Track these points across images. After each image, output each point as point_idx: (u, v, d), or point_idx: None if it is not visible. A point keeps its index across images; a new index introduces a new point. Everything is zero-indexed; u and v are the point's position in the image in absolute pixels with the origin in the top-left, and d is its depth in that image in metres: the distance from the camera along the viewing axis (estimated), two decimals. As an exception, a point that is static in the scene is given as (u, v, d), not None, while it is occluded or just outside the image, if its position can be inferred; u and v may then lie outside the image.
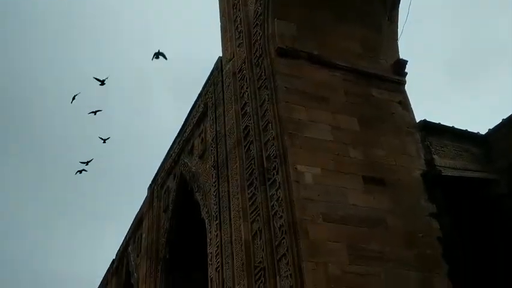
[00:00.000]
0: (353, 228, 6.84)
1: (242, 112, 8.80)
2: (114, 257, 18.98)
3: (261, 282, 6.82)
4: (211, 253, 9.03)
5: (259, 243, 7.15)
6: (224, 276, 8.09)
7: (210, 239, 9.25)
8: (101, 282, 21.23)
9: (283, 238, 6.54)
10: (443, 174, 8.27)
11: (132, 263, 15.71)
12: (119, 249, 18.33)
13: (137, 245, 15.77)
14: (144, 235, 14.62)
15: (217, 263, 8.54)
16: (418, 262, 6.96)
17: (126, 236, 17.47)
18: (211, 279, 8.70)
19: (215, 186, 9.40)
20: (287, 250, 6.40)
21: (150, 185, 14.82)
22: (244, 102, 8.80)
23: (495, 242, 9.33)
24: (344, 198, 7.14)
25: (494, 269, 9.35)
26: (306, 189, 6.93)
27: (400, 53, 9.86)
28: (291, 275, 6.16)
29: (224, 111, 9.62)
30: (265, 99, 8.15)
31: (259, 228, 7.22)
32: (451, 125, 9.51)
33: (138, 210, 16.09)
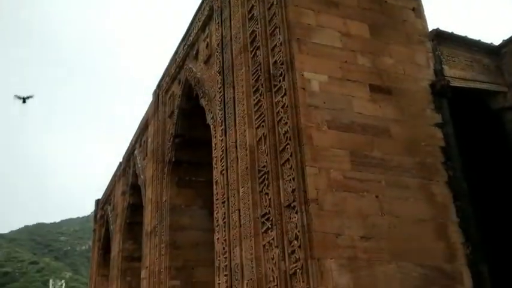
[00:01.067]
0: (356, 136, 6.92)
1: (249, 16, 8.52)
2: (121, 160, 19.52)
3: (265, 185, 7.05)
4: (216, 157, 9.24)
5: (263, 148, 7.29)
6: (229, 179, 8.36)
7: (215, 144, 9.42)
8: (109, 183, 22.05)
9: (288, 144, 6.65)
10: (451, 84, 8.20)
11: (139, 165, 16.18)
12: (126, 153, 18.80)
13: (143, 148, 16.12)
14: (149, 139, 14.89)
15: (222, 166, 8.77)
16: (419, 170, 7.12)
17: (132, 139, 17.82)
18: (216, 181, 8.99)
19: (220, 92, 9.38)
20: (291, 155, 6.53)
21: (155, 90, 14.82)
22: (251, 5, 8.49)
23: (495, 153, 9.49)
24: (349, 106, 7.14)
25: (492, 178, 9.61)
26: (311, 96, 6.91)
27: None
28: (293, 178, 6.34)
29: (230, 15, 9.32)
30: (273, 2, 7.84)
31: (263, 133, 7.31)
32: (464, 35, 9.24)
33: (144, 115, 16.24)
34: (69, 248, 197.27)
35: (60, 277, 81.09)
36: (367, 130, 7.06)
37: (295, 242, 6.06)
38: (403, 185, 6.89)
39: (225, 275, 7.91)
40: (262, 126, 7.40)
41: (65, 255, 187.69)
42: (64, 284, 56.80)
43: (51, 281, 57.33)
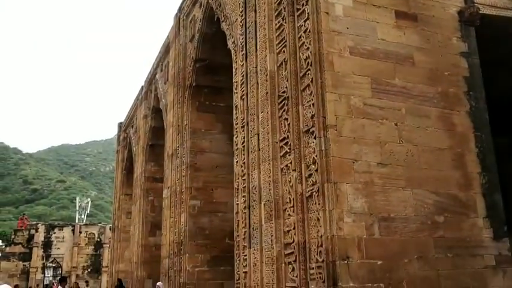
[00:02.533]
0: (379, 63, 6.82)
1: None
2: (143, 84, 19.67)
3: (284, 110, 7.11)
4: (236, 82, 9.27)
5: (284, 73, 7.27)
6: (249, 104, 8.44)
7: (236, 69, 9.41)
8: (131, 107, 22.37)
9: (308, 69, 6.61)
10: (480, 12, 7.87)
11: (160, 89, 16.31)
12: (148, 76, 18.89)
13: (165, 72, 16.17)
14: (171, 63, 14.89)
15: (242, 91, 8.82)
16: (440, 99, 7.06)
17: (154, 63, 17.82)
18: (236, 106, 9.08)
19: (242, 16, 9.21)
20: (311, 81, 6.52)
21: (176, 13, 14.58)
22: None
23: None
24: (373, 32, 6.97)
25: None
26: (335, 21, 6.75)
27: None
28: (313, 104, 6.38)
29: None
30: None
31: (284, 59, 7.26)
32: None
33: (165, 39, 16.11)
34: (93, 168, 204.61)
35: (86, 195, 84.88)
36: (390, 57, 6.95)
37: (313, 166, 6.21)
38: (423, 114, 6.87)
39: (243, 196, 8.23)
40: (283, 51, 7.33)
41: (90, 175, 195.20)
42: (90, 202, 59.42)
43: (77, 199, 60.06)
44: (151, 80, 18.30)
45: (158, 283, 12.70)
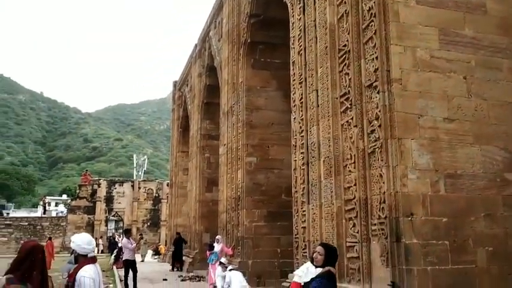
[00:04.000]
0: (447, 12, 6.42)
1: None
2: (196, 42, 19.70)
3: (345, 65, 6.91)
4: (293, 37, 9.07)
5: (344, 26, 7.01)
6: (307, 60, 8.26)
7: (293, 23, 9.18)
8: (185, 65, 22.55)
9: (372, 21, 6.33)
10: None
11: (214, 47, 16.28)
12: (201, 34, 18.86)
13: (218, 29, 16.07)
14: (224, 20, 14.76)
15: (300, 46, 8.63)
16: (514, 50, 6.61)
17: (207, 20, 17.73)
18: (293, 62, 8.92)
19: (299, -34, 8.89)
20: (374, 33, 6.25)
21: (229, -33, 14.30)
22: None
23: None
24: (442, -21, 6.53)
25: None
26: (400, -32, 6.36)
27: None
28: (377, 57, 6.14)
29: None
30: None
31: (346, 10, 6.99)
32: None
33: (218, -6, 15.91)
34: (148, 127, 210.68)
35: (143, 153, 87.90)
36: (460, 6, 6.52)
37: (375, 121, 6.05)
38: (494, 66, 6.47)
39: (302, 153, 8.20)
40: (344, 2, 7.05)
41: (146, 133, 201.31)
42: (146, 159, 61.56)
43: (135, 156, 62.31)
44: (204, 38, 18.29)
45: (217, 236, 13.11)
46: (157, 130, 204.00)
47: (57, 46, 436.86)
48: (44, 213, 42.09)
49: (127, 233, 14.02)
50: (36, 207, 71.59)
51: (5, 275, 3.31)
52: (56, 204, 50.74)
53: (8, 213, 46.89)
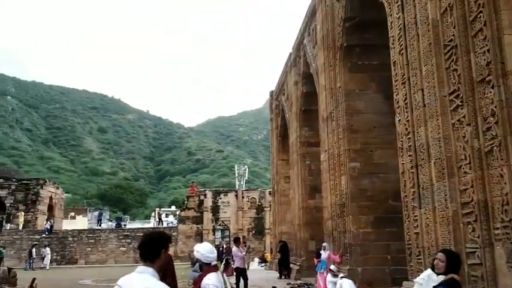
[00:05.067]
0: None
1: None
2: (291, 51, 19.90)
3: (452, 61, 6.57)
4: (392, 36, 8.81)
5: (449, 20, 6.67)
6: (409, 59, 7.98)
7: (391, 22, 8.93)
8: (281, 74, 22.85)
9: (480, 12, 5.95)
10: None
11: (309, 54, 16.32)
12: (295, 43, 19.03)
13: (312, 36, 16.10)
14: (318, 26, 14.75)
15: (400, 46, 8.36)
16: None
17: (300, 28, 17.85)
18: (394, 62, 8.66)
19: (394, -36, 8.65)
20: (484, 24, 5.87)
21: (320, -27, 14.29)
22: None
23: None
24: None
25: None
26: (509, -48, 5.93)
27: None
28: (488, 50, 5.76)
29: None
30: None
31: (449, 4, 6.64)
32: None
33: (310, 2, 15.97)
34: (247, 137, 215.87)
35: (243, 163, 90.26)
36: None
37: (491, 118, 5.66)
38: None
39: (409, 155, 7.90)
40: (447, -5, 6.71)
41: (244, 144, 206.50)
42: (247, 169, 63.09)
43: (236, 166, 64.05)
44: (299, 46, 18.41)
45: (324, 244, 13.04)
46: (255, 140, 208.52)
47: (158, 67, 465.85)
48: (159, 224, 44.81)
49: (236, 241, 14.44)
50: (149, 219, 76.56)
51: None
52: (166, 215, 53.80)
53: (124, 225, 50.61)
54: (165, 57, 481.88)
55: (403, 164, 8.24)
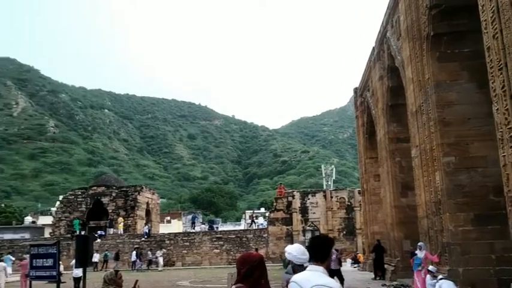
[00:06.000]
0: None
1: None
2: (373, 45, 19.37)
3: (556, 41, 5.99)
4: (485, 21, 8.22)
5: (550, -3, 6.10)
6: (505, 43, 7.40)
7: (482, 6, 8.33)
8: (364, 70, 22.32)
9: None
10: None
11: (394, 47, 15.76)
12: (378, 36, 18.49)
13: (396, 29, 15.55)
14: (401, 17, 14.21)
15: (494, 30, 7.77)
16: None
17: (382, 21, 17.33)
18: (488, 48, 8.07)
19: None
20: None
21: (401, -38, 13.77)
22: None
23: None
24: None
25: None
26: None
27: None
28: None
29: None
30: None
31: (549, -21, 6.08)
32: None
33: (391, -7, 15.44)
34: (332, 137, 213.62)
35: (329, 162, 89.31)
36: None
37: None
38: None
39: (511, 147, 7.32)
40: (547, -30, 6.14)
41: (330, 143, 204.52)
42: (334, 168, 62.28)
43: (322, 166, 63.54)
44: (382, 40, 17.85)
45: (420, 243, 12.48)
46: (341, 139, 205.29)
47: (241, 72, 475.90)
48: (250, 226, 45.64)
49: None
50: (239, 221, 78.25)
51: (234, 284, 3.63)
52: (256, 217, 54.64)
53: (217, 227, 52.16)
54: (246, 62, 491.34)
55: (504, 156, 7.64)
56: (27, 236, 50.77)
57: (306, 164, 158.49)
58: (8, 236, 50.25)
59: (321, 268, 3.12)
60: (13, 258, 30.86)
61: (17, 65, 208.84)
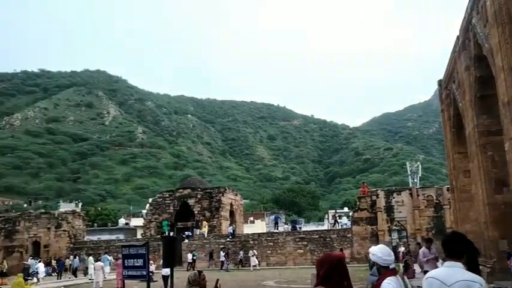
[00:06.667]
0: None
1: None
2: (457, 34, 18.38)
3: None
4: None
5: None
6: None
7: None
8: (448, 61, 21.22)
9: None
10: None
11: (480, 34, 14.83)
12: (462, 24, 17.51)
13: (482, 15, 14.60)
14: (488, 2, 13.31)
15: None
16: None
17: (467, 8, 16.38)
18: None
19: None
20: None
21: None
22: None
23: None
24: None
25: None
26: None
27: None
28: None
29: None
30: None
31: None
32: None
33: (476, -23, 14.55)
34: (416, 132, 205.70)
35: (415, 159, 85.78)
36: None
37: None
38: None
39: None
40: None
41: (415, 139, 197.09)
42: (420, 165, 59.83)
43: (407, 164, 61.33)
44: (467, 27, 16.83)
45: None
46: (426, 134, 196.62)
47: (317, 72, 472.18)
48: (334, 225, 45.18)
49: (428, 241, 13.64)
50: (322, 221, 77.59)
51: (315, 287, 3.57)
52: (340, 217, 53.89)
53: (300, 228, 52.12)
54: (323, 60, 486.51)
55: None
56: (121, 236, 54.18)
57: (389, 161, 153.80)
58: (104, 237, 53.95)
59: (459, 264, 3.17)
60: (110, 258, 33.00)
61: (107, 76, 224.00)
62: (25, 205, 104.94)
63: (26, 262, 36.42)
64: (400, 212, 36.28)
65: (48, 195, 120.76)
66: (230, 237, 39.06)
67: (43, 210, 52.88)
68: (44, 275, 33.92)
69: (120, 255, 21.90)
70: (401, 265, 20.98)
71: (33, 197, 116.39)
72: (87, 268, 33.46)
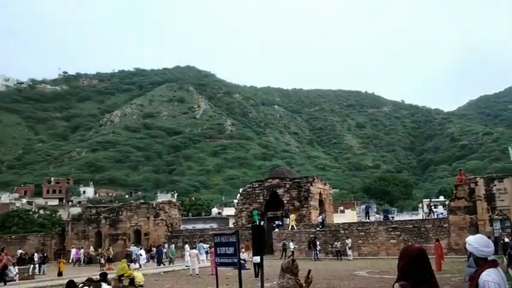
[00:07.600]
0: None
1: None
2: None
3: None
4: None
5: None
6: None
7: None
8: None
9: None
10: None
11: None
12: None
13: None
14: None
15: None
16: None
17: None
18: None
19: None
20: None
21: None
22: None
23: None
24: None
25: None
26: None
27: None
28: None
29: None
30: None
31: None
32: None
33: None
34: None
35: (519, 144, 79.17)
36: None
37: None
38: None
39: None
40: None
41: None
42: (525, 151, 55.16)
43: (510, 149, 56.84)
44: None
45: None
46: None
47: (408, 54, 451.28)
48: (429, 215, 43.28)
49: None
50: (416, 210, 74.58)
51: (397, 282, 3.33)
52: (435, 206, 51.46)
53: (392, 217, 50.58)
54: (413, 42, 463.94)
55: None
56: (214, 225, 56.25)
57: (489, 147, 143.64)
58: (199, 226, 56.32)
59: None
60: (206, 246, 34.42)
61: (196, 72, 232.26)
62: (126, 196, 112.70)
63: (128, 249, 39.11)
64: (503, 200, 33.75)
65: (147, 187, 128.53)
66: (320, 226, 38.90)
67: (142, 201, 56.39)
68: (145, 261, 36.24)
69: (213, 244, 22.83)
70: (504, 257, 19.64)
71: (133, 188, 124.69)
72: (183, 256, 35.18)
